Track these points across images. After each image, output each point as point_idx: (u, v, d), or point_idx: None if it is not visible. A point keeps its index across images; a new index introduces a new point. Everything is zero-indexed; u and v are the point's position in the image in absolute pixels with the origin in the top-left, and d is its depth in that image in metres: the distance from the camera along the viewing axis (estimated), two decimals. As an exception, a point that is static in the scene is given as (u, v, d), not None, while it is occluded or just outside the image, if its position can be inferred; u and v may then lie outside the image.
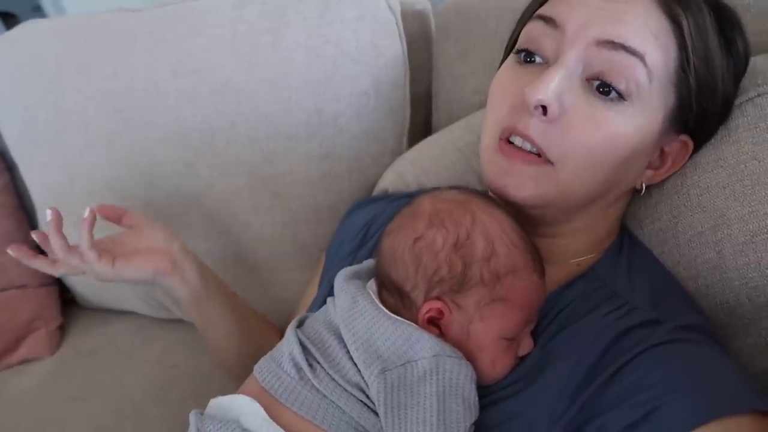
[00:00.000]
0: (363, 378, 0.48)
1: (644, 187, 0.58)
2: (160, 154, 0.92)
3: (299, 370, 0.50)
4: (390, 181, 0.82)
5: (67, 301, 1.18)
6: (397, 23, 0.85)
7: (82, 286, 1.14)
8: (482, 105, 0.63)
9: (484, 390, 0.50)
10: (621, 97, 0.50)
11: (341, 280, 0.55)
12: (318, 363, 0.50)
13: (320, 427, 0.48)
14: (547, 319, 0.54)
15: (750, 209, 0.54)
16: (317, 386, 0.49)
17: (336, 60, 0.83)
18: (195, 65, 0.88)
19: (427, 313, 0.50)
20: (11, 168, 1.14)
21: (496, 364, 0.50)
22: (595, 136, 0.50)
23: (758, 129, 0.55)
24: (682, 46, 0.50)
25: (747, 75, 0.57)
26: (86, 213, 0.67)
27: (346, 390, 0.48)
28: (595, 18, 0.50)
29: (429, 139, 0.85)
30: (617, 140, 0.50)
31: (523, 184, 0.52)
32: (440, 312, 0.49)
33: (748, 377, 0.49)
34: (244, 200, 0.91)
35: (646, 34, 0.49)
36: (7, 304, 1.07)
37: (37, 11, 1.83)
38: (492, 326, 0.49)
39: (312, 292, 0.76)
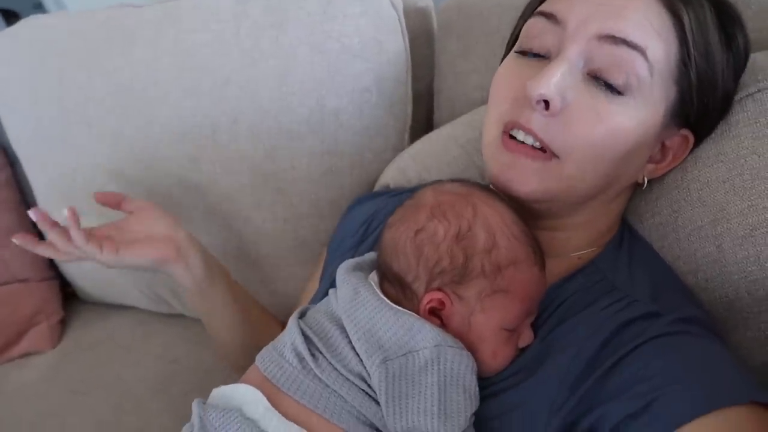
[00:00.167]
0: (365, 367, 0.48)
1: (646, 181, 0.58)
2: (163, 149, 0.92)
3: (301, 359, 0.50)
4: (391, 176, 0.82)
5: (68, 295, 1.18)
6: (399, 20, 0.85)
7: (83, 280, 1.14)
8: (484, 102, 0.63)
9: (484, 381, 0.50)
10: (622, 91, 0.50)
11: (343, 271, 0.55)
12: (320, 352, 0.50)
13: (322, 416, 0.48)
14: (548, 311, 0.54)
15: (749, 203, 0.55)
16: (319, 375, 0.49)
17: (338, 56, 0.83)
18: (197, 61, 0.89)
19: (428, 303, 0.50)
20: (13, 163, 1.14)
21: (497, 355, 0.51)
22: (597, 130, 0.50)
23: (758, 124, 0.56)
24: (682, 40, 0.50)
25: (747, 71, 0.57)
26: (65, 213, 0.65)
27: (348, 379, 0.49)
28: (596, 13, 0.50)
29: (430, 135, 0.85)
30: (619, 134, 0.51)
31: (527, 178, 0.53)
32: (441, 303, 0.50)
33: (747, 370, 0.49)
34: (246, 196, 0.91)
35: (647, 28, 0.49)
36: (9, 297, 1.08)
37: (38, 8, 1.83)
38: (493, 317, 0.50)
39: (313, 287, 0.76)
